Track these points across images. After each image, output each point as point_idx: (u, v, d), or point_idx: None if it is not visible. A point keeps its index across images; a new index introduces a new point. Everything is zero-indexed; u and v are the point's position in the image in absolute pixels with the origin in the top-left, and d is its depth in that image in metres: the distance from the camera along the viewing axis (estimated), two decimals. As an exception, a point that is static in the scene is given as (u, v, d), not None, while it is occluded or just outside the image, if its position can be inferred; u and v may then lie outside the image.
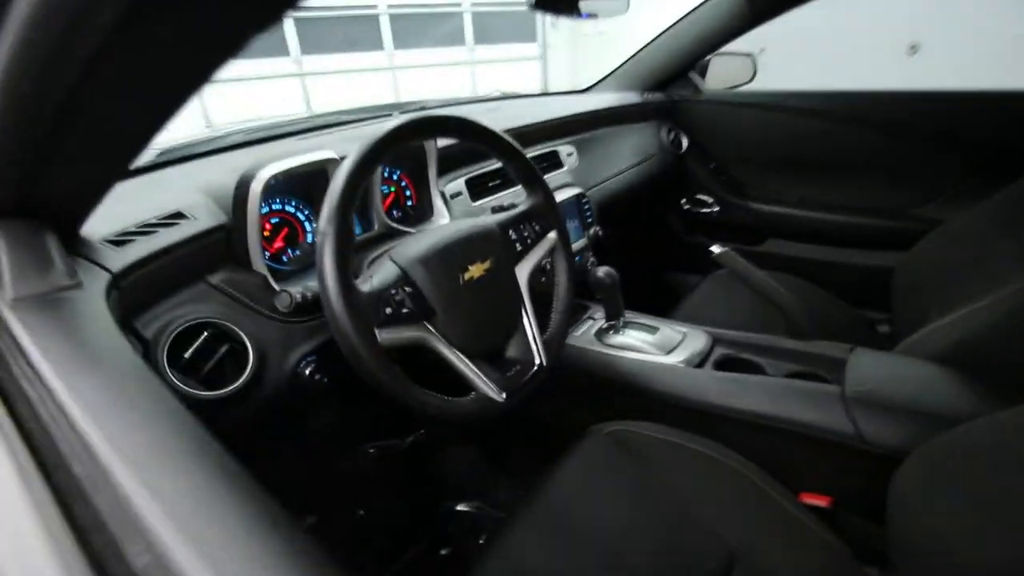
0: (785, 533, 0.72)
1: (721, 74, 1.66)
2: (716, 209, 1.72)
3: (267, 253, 0.76)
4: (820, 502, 0.82)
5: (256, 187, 0.66)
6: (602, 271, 1.09)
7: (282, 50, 4.75)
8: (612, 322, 1.12)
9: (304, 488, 1.07)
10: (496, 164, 1.12)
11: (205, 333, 0.61)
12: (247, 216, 0.66)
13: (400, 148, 0.61)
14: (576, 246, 1.18)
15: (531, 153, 1.20)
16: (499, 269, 0.71)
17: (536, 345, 0.75)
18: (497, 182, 1.10)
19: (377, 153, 0.58)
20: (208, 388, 0.61)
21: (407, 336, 0.60)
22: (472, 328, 0.67)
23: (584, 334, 1.12)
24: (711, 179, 1.71)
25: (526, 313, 0.76)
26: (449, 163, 1.01)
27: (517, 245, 0.75)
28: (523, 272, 0.76)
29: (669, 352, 1.03)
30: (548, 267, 0.82)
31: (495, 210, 0.95)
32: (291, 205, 0.79)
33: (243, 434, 0.69)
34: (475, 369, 0.66)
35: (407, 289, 0.61)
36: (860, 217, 1.54)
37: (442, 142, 0.94)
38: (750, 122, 1.61)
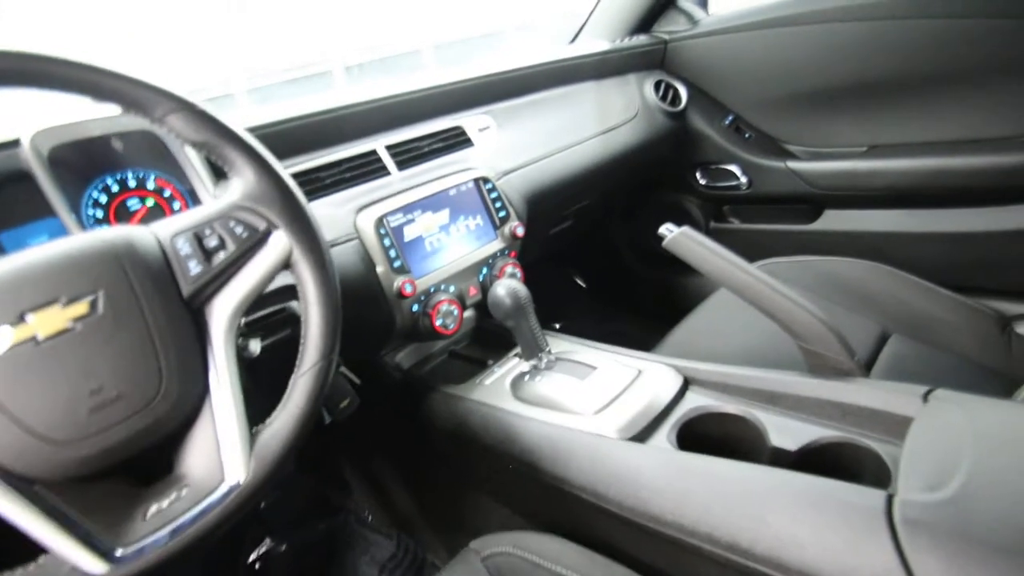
0: None
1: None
2: (744, 180, 1.25)
3: None
4: None
5: None
6: (502, 288, 0.71)
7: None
8: (533, 362, 0.73)
9: None
10: (356, 148, 0.79)
11: None
12: None
13: None
14: (481, 252, 0.81)
15: (421, 130, 0.86)
16: (128, 313, 0.38)
17: (235, 445, 0.40)
18: (354, 172, 0.77)
19: None
20: None
21: None
22: (37, 434, 0.34)
23: (497, 383, 0.75)
24: (730, 140, 1.24)
25: (218, 386, 0.41)
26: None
27: (193, 263, 0.42)
28: (222, 310, 0.43)
29: (601, 409, 0.62)
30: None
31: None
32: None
33: None
34: (41, 512, 0.34)
35: None
36: (967, 156, 0.99)
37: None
38: (780, 47, 1.13)
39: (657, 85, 1.21)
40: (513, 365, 0.78)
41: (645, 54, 1.23)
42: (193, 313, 0.42)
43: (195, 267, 0.42)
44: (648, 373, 0.67)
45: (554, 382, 0.69)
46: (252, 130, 0.72)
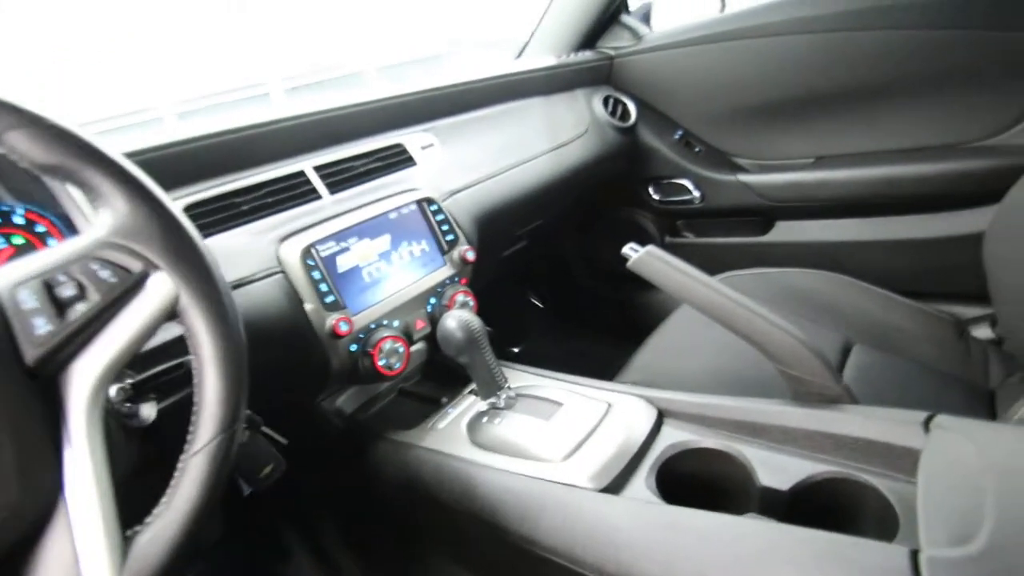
0: None
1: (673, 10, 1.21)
2: (697, 194, 1.23)
3: None
4: None
5: None
6: (452, 321, 0.64)
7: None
8: (491, 400, 0.65)
9: None
10: (280, 170, 0.70)
11: None
12: None
13: None
14: (428, 281, 0.73)
15: (356, 149, 0.78)
16: None
17: (101, 558, 0.31)
18: (277, 197, 0.68)
19: None
20: None
21: None
22: None
23: (451, 426, 0.67)
24: (681, 154, 1.22)
25: (77, 478, 0.32)
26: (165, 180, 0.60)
27: (40, 320, 0.32)
28: (83, 378, 0.33)
29: (570, 454, 0.55)
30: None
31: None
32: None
33: None
34: None
35: None
36: (913, 164, 1.01)
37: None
38: (723, 62, 1.13)
39: (606, 100, 1.18)
40: (469, 404, 0.70)
41: (592, 70, 1.20)
42: (43, 385, 0.32)
43: (43, 325, 0.32)
44: (619, 407, 0.60)
45: (515, 424, 0.61)
46: (155, 150, 0.62)
